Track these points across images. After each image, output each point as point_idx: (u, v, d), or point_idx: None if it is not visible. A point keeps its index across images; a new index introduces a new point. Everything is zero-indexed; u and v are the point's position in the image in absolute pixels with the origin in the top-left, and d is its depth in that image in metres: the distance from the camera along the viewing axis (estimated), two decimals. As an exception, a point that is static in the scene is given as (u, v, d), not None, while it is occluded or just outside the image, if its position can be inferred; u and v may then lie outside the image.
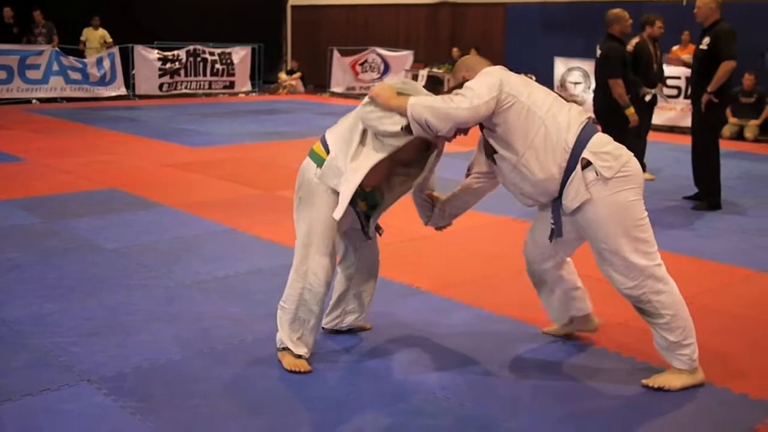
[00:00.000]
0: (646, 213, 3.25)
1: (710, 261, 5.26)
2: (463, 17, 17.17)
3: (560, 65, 14.22)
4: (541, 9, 15.59)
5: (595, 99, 7.35)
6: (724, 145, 7.72)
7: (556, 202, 3.27)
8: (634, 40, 7.89)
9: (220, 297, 4.33)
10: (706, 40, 6.65)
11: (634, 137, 8.08)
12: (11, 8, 14.89)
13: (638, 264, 3.19)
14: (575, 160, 3.15)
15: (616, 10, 7.12)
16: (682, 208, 6.92)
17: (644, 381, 3.31)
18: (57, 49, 14.90)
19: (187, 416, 2.99)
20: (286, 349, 3.40)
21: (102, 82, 15.51)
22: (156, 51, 16.17)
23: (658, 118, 12.56)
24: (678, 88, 12.23)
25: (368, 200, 3.42)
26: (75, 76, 15.15)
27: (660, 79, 8.24)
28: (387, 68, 17.32)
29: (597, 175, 3.14)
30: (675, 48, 12.38)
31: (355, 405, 3.11)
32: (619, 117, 7.03)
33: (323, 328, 3.75)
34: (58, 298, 4.25)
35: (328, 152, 3.27)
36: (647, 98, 8.00)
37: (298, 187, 3.36)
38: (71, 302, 4.19)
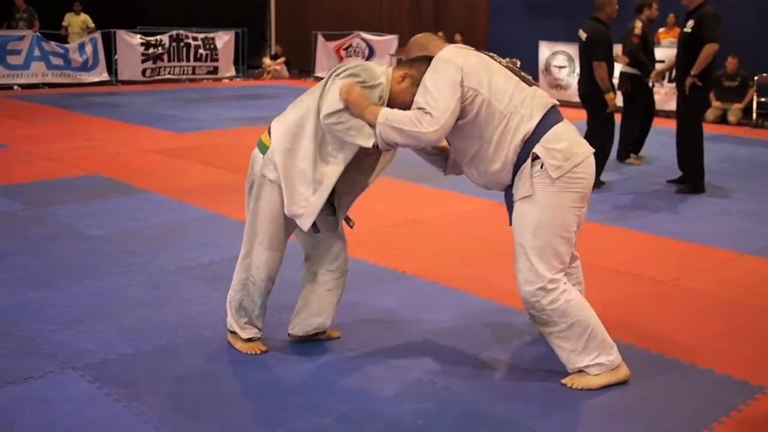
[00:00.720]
0: (576, 225, 3.10)
1: (694, 244, 5.29)
2: (447, 1, 17.12)
3: (545, 49, 14.22)
4: (526, -7, 15.56)
5: (580, 83, 7.34)
6: (708, 129, 7.76)
7: (509, 190, 3.17)
8: (639, 23, 7.93)
9: (206, 283, 4.31)
10: (691, 23, 6.69)
11: (638, 122, 8.23)
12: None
13: (539, 271, 3.04)
14: (528, 152, 3.01)
15: None
16: (667, 191, 6.96)
17: (563, 381, 3.17)
18: (38, 34, 14.76)
19: (172, 403, 2.98)
20: (235, 333, 3.42)
21: (84, 67, 15.38)
22: (139, 36, 16.06)
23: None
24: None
25: None
26: (57, 61, 15.01)
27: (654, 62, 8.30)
28: (371, 52, 17.27)
29: (543, 171, 2.99)
30: (660, 30, 12.40)
31: (340, 390, 3.11)
32: (602, 102, 7.05)
33: (289, 334, 3.53)
34: (42, 285, 4.22)
35: None
36: (651, 83, 8.07)
37: (248, 176, 3.29)
38: (55, 290, 4.16)
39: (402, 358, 3.41)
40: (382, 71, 3.17)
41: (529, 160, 3.01)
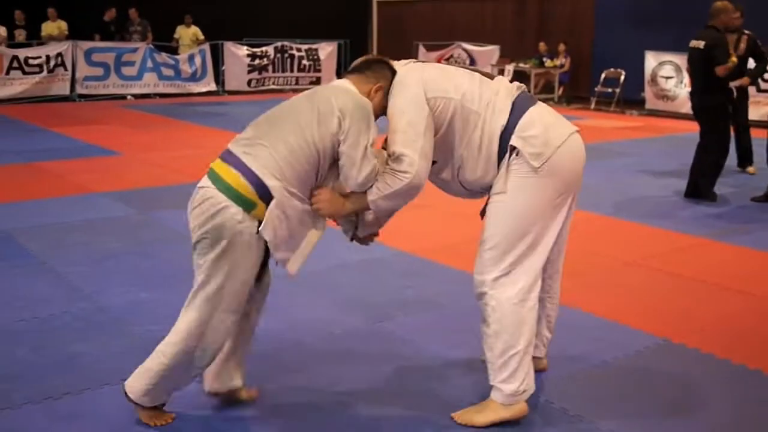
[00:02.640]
0: (558, 221, 2.86)
1: (811, 262, 5.06)
2: (551, 11, 16.93)
3: (651, 59, 13.88)
4: (631, 1, 15.23)
5: (692, 95, 7.15)
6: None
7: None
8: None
9: (310, 290, 4.36)
10: None
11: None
12: (115, 9, 15.43)
13: (494, 263, 2.80)
14: (505, 147, 2.78)
15: (722, 2, 6.93)
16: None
17: (453, 414, 2.93)
18: (151, 46, 15.37)
19: (272, 406, 3.04)
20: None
21: (193, 78, 15.93)
22: (245, 47, 16.50)
23: (756, 113, 12.20)
24: (775, 81, 11.83)
25: None
26: (167, 72, 15.61)
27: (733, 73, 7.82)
28: (473, 63, 17.22)
29: (521, 160, 2.77)
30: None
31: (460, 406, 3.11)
32: (719, 114, 6.89)
33: (208, 391, 3.02)
34: (153, 287, 4.38)
35: (261, 196, 2.62)
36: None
37: (213, 236, 2.65)
38: (165, 292, 4.31)
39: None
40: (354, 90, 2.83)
41: (507, 156, 2.78)
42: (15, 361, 3.40)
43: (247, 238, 2.63)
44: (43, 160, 8.37)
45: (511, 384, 2.83)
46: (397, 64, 2.92)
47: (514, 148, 2.77)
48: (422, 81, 2.80)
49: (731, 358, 3.51)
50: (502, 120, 2.79)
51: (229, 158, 2.72)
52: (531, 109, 2.84)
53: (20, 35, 14.53)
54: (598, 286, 4.49)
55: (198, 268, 2.74)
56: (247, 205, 2.61)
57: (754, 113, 12.18)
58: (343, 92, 2.77)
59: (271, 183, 2.61)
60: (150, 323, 3.83)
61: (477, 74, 2.91)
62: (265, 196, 2.61)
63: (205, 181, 2.74)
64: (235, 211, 2.61)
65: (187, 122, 11.85)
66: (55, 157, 8.55)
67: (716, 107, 6.86)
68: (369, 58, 2.91)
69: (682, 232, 5.76)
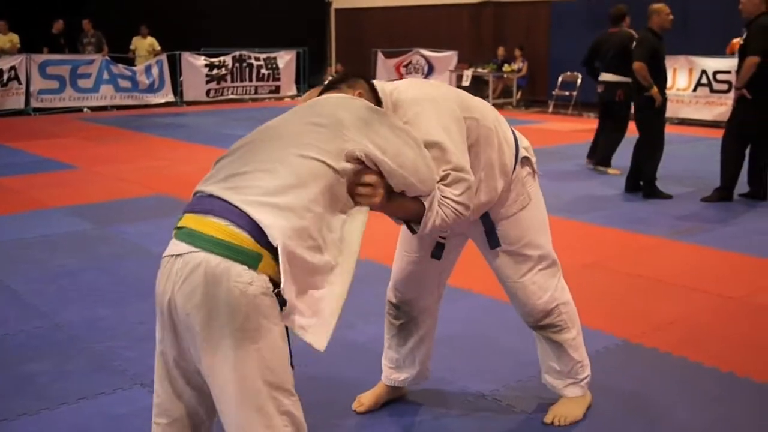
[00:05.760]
0: None
1: (764, 258, 5.15)
2: (507, 16, 17.08)
3: (607, 62, 14.05)
4: (587, 6, 15.42)
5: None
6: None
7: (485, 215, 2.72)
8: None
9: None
10: (745, 34, 6.62)
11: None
12: (63, 21, 15.22)
13: (552, 274, 2.83)
14: (518, 158, 2.70)
15: (656, 5, 7.13)
16: (734, 206, 6.79)
17: (545, 419, 2.95)
18: (107, 58, 15.21)
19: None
20: None
21: (151, 89, 15.78)
22: (203, 58, 16.40)
23: (709, 113, 12.45)
24: (729, 83, 12.02)
25: None
26: (125, 84, 15.44)
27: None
28: (431, 69, 17.32)
29: (531, 171, 2.76)
30: (735, 40, 12.17)
31: (405, 407, 3.11)
32: (649, 109, 7.03)
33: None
34: (111, 303, 4.33)
35: (266, 246, 1.90)
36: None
37: (223, 316, 1.89)
38: (124, 307, 4.26)
39: (465, 375, 3.40)
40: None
41: (519, 166, 2.69)
42: (-31, 383, 3.34)
43: (267, 302, 1.91)
44: (-3, 176, 8.25)
45: (587, 371, 2.99)
46: (398, 83, 2.59)
47: (526, 159, 2.73)
48: (452, 98, 2.50)
49: (688, 356, 3.56)
50: (510, 134, 2.69)
51: (206, 204, 2.04)
52: None
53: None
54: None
55: (211, 368, 1.95)
56: (251, 260, 1.90)
57: (707, 113, 12.48)
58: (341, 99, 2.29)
59: (267, 221, 1.91)
60: (108, 340, 3.79)
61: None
62: (265, 241, 1.91)
63: (179, 246, 2.02)
64: (238, 271, 1.88)
65: (146, 134, 11.74)
66: (10, 173, 8.41)
67: (645, 103, 7.01)
68: (340, 74, 2.55)
69: (639, 232, 5.83)
